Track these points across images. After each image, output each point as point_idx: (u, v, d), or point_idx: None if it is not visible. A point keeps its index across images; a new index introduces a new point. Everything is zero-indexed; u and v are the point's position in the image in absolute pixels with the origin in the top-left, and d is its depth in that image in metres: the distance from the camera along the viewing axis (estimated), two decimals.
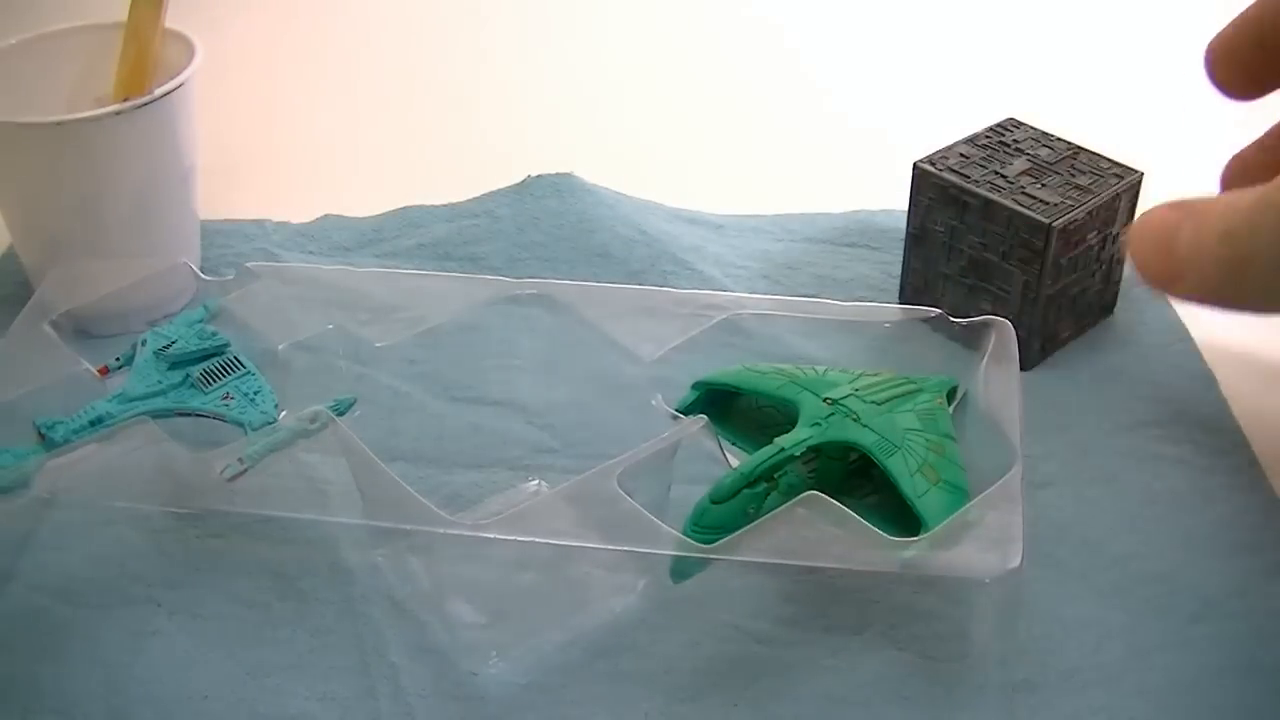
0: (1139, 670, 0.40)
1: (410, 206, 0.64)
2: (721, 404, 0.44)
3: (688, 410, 0.42)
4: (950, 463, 0.39)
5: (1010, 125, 0.56)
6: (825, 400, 0.38)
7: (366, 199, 0.65)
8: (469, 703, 0.39)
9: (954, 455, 0.39)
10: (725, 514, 0.36)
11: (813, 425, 0.37)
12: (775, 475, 0.37)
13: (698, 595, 0.42)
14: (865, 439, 0.38)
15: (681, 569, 0.37)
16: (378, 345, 0.51)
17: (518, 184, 0.65)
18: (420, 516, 0.39)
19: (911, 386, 0.41)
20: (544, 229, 0.61)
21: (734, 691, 0.39)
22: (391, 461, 0.43)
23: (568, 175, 0.64)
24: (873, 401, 0.39)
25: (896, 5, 0.91)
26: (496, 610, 0.42)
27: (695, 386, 0.42)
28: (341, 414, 0.46)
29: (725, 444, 0.42)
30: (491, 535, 0.40)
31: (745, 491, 0.36)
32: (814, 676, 0.40)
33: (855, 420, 0.38)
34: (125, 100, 0.52)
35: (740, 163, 0.71)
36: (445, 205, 0.64)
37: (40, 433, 0.45)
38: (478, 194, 0.65)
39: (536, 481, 0.47)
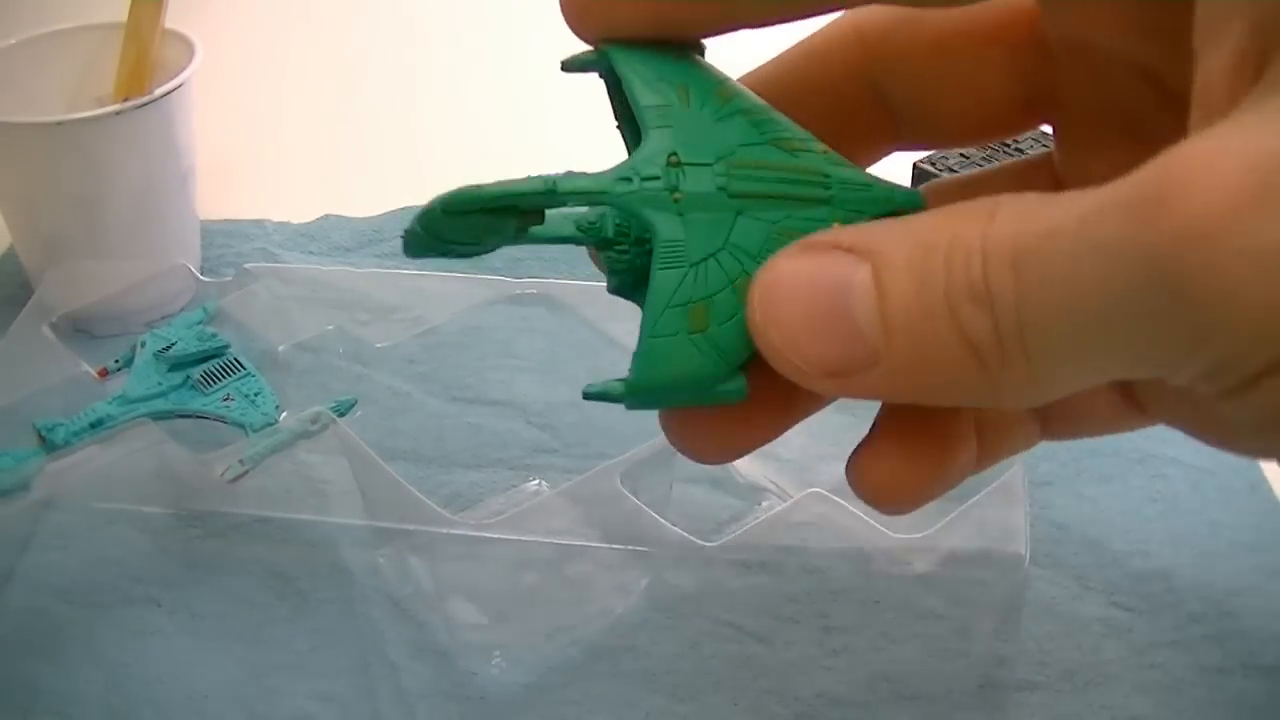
0: (1139, 670, 0.40)
1: (410, 206, 0.64)
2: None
3: (583, 66, 0.27)
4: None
5: None
6: (671, 157, 0.24)
7: (366, 199, 0.65)
8: (469, 703, 0.39)
9: None
10: (456, 227, 0.24)
11: (621, 179, 0.23)
12: (538, 210, 0.25)
13: (698, 595, 0.42)
14: (662, 226, 0.23)
15: (411, 245, 0.25)
16: (378, 345, 0.52)
17: None
18: (421, 516, 0.39)
19: (824, 194, 0.24)
20: None
21: (734, 691, 0.39)
22: (391, 461, 0.43)
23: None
24: (739, 192, 0.24)
25: None
26: (497, 610, 0.42)
27: (598, 50, 0.26)
28: (342, 414, 0.46)
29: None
30: (492, 535, 0.40)
31: (480, 217, 0.24)
32: (814, 676, 0.40)
33: (676, 201, 0.23)
34: (125, 100, 0.52)
35: None
36: None
37: (40, 435, 0.45)
38: None
39: (536, 481, 0.47)
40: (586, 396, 0.23)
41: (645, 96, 0.24)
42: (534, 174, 0.23)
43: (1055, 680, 0.39)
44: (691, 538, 0.40)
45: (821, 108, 0.25)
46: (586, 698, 0.39)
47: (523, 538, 0.40)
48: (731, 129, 0.24)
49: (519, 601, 0.43)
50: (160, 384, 0.47)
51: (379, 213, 0.64)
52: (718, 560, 0.42)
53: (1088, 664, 0.40)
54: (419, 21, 0.89)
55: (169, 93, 0.52)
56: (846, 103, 0.26)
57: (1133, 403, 0.25)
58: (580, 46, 0.25)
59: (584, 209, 0.26)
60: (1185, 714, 0.38)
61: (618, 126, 0.27)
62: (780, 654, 0.40)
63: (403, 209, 0.64)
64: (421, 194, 0.23)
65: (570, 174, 0.24)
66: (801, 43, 0.27)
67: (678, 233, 0.23)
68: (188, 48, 0.55)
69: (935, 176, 0.52)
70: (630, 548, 0.43)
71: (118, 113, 0.51)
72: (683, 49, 0.25)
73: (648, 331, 0.23)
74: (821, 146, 0.24)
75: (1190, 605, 0.42)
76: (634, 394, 0.23)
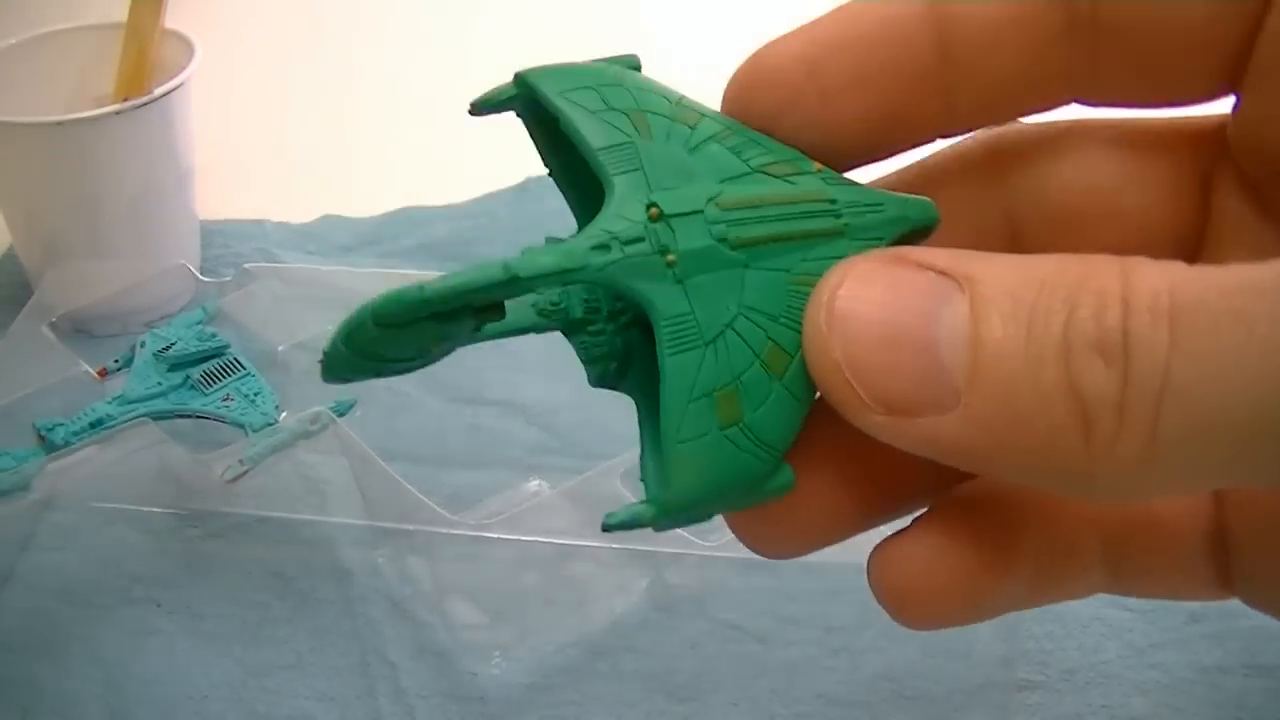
0: (1139, 670, 0.40)
1: (410, 206, 0.64)
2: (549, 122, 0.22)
3: (498, 106, 0.22)
4: (784, 399, 0.19)
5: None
6: (651, 209, 0.19)
7: (366, 199, 0.65)
8: (469, 703, 0.39)
9: (802, 389, 0.19)
10: (390, 342, 0.18)
11: (596, 248, 0.18)
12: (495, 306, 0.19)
13: (698, 595, 0.42)
14: (661, 301, 0.18)
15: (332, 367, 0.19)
16: None
17: (518, 184, 0.65)
18: (421, 516, 0.39)
19: (836, 223, 0.20)
20: (544, 229, 0.61)
21: (734, 691, 0.39)
22: (391, 461, 0.43)
23: None
24: (741, 240, 0.19)
25: None
26: (497, 610, 0.42)
27: (517, 81, 0.21)
28: (342, 414, 0.46)
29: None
30: (492, 535, 0.40)
31: (427, 324, 0.18)
32: (814, 676, 0.40)
33: (669, 265, 0.19)
34: (125, 100, 0.52)
35: None
36: (445, 205, 0.64)
37: (40, 435, 0.45)
38: (478, 194, 0.65)
39: (536, 481, 0.47)
40: (608, 528, 0.19)
41: (596, 135, 0.19)
42: (483, 262, 0.18)
43: (1055, 680, 0.39)
44: (692, 538, 0.40)
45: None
46: (586, 698, 0.39)
47: (523, 538, 0.40)
48: (708, 160, 0.20)
49: (519, 601, 0.42)
50: (160, 384, 0.47)
51: (379, 213, 0.64)
52: (718, 560, 0.42)
53: (1088, 664, 0.40)
54: (419, 21, 0.89)
55: (169, 93, 0.52)
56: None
57: (1221, 571, 0.21)
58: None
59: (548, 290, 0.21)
60: (1185, 714, 0.38)
61: (549, 173, 0.22)
62: (780, 654, 0.40)
63: (403, 209, 0.64)
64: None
65: (529, 251, 0.18)
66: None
67: (681, 306, 0.18)
68: (187, 48, 0.55)
69: None
70: (630, 548, 0.43)
71: (118, 113, 0.51)
72: (614, 61, 0.21)
73: (671, 437, 0.18)
74: (814, 164, 0.20)
75: (1190, 605, 0.42)
76: (668, 514, 0.18)
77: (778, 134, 0.20)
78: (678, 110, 0.20)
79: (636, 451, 0.20)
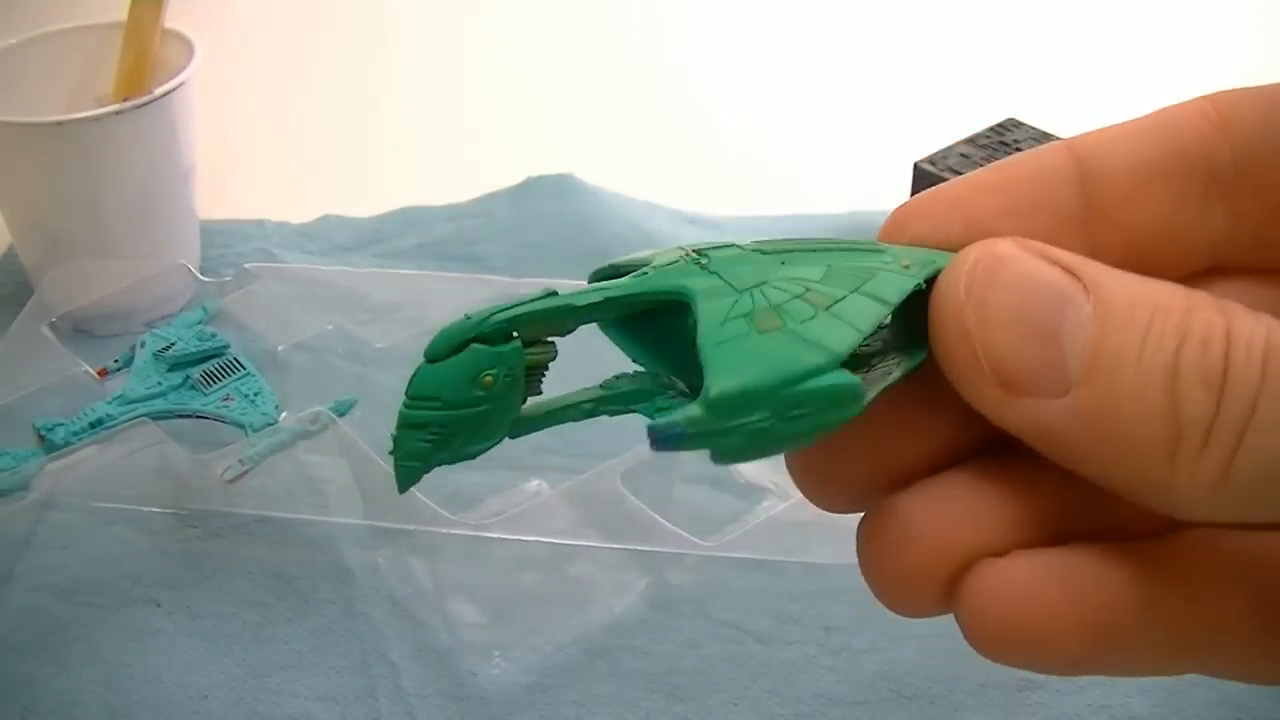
0: None
1: (410, 206, 0.64)
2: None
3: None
4: (835, 319, 0.19)
5: (1010, 125, 0.56)
6: (685, 252, 0.20)
7: (366, 199, 0.65)
8: (469, 703, 0.39)
9: (858, 316, 0.19)
10: (444, 378, 0.20)
11: (636, 277, 0.20)
12: (547, 337, 0.20)
13: (698, 595, 0.42)
14: (691, 283, 0.19)
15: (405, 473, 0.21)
16: (378, 345, 0.51)
17: (518, 184, 0.65)
18: (422, 516, 0.39)
19: (866, 246, 0.21)
20: (544, 229, 0.61)
21: (734, 691, 0.39)
22: None
23: (567, 175, 0.64)
24: (760, 250, 0.20)
25: (896, 5, 0.91)
26: (497, 610, 0.42)
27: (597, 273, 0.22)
28: (342, 414, 0.46)
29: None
30: (492, 535, 0.40)
31: (477, 347, 0.19)
32: (814, 676, 0.40)
33: (701, 266, 0.19)
34: (125, 100, 0.52)
35: (740, 163, 0.71)
36: (445, 205, 0.64)
37: (40, 435, 0.45)
38: (478, 194, 0.65)
39: (537, 481, 0.47)
40: (655, 432, 0.17)
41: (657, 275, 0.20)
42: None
43: (1055, 680, 0.39)
44: (691, 538, 0.41)
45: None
46: (586, 698, 0.39)
47: (523, 538, 0.41)
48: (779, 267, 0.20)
49: (519, 601, 0.43)
50: (160, 384, 0.47)
51: (379, 213, 0.64)
52: (718, 560, 0.42)
53: None
54: (419, 22, 0.89)
55: (169, 93, 0.52)
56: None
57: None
58: None
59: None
60: (1185, 714, 0.38)
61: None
62: (780, 654, 0.40)
63: (403, 209, 0.64)
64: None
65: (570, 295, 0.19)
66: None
67: (714, 283, 0.19)
68: (188, 48, 0.55)
69: (935, 176, 0.52)
70: (630, 548, 0.43)
71: (118, 113, 0.51)
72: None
73: (711, 340, 0.18)
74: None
75: None
76: (717, 412, 0.17)
77: None
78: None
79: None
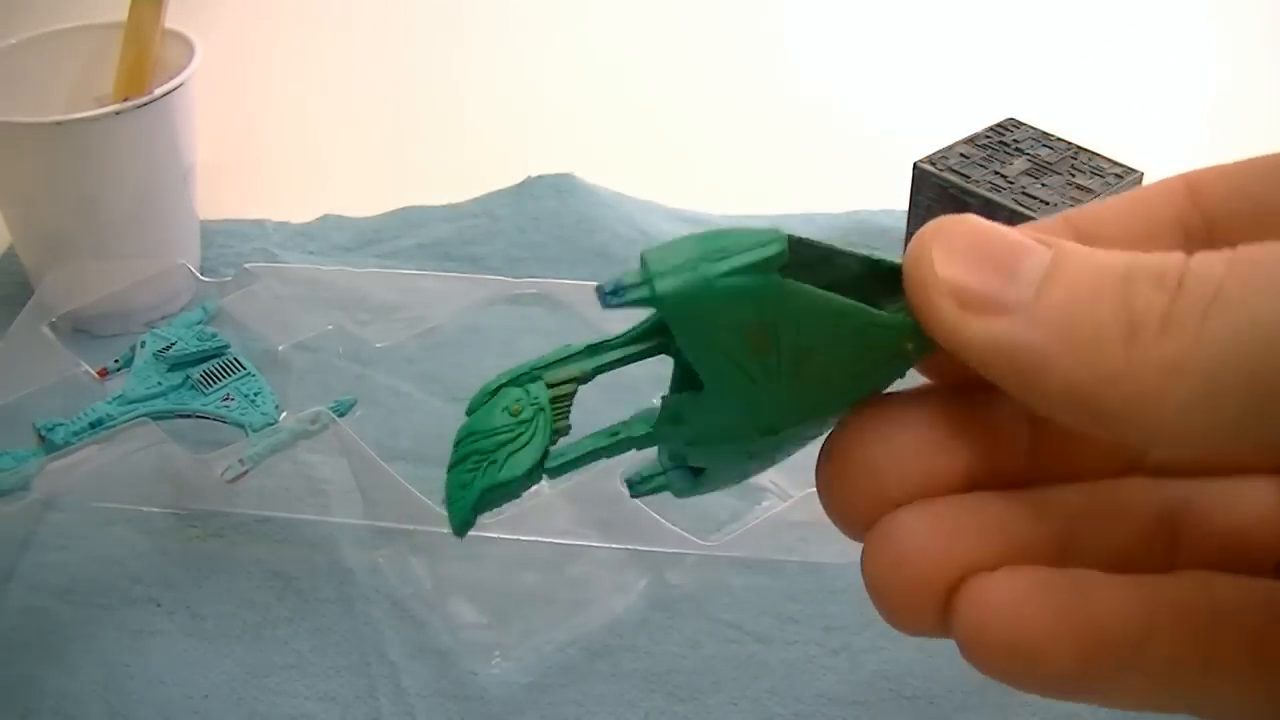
0: None
1: (410, 206, 0.64)
2: None
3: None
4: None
5: (1010, 125, 0.56)
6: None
7: (366, 199, 0.65)
8: (469, 703, 0.39)
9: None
10: (479, 416, 0.21)
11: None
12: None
13: (698, 595, 0.42)
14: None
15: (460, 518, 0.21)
16: (378, 345, 0.51)
17: (518, 184, 0.65)
18: (422, 516, 0.39)
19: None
20: (544, 229, 0.61)
21: (734, 691, 0.39)
22: (391, 461, 0.43)
23: (568, 175, 0.64)
24: None
25: (897, 5, 0.91)
26: (497, 610, 0.42)
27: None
28: (342, 414, 0.46)
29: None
30: (493, 535, 0.40)
31: (506, 388, 0.21)
32: (814, 676, 0.40)
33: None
34: (125, 100, 0.52)
35: (740, 163, 0.71)
36: (445, 205, 0.64)
37: (40, 435, 0.45)
38: (478, 194, 0.65)
39: None
40: (604, 296, 0.18)
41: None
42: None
43: None
44: (691, 538, 0.41)
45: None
46: (586, 698, 0.39)
47: (523, 538, 0.41)
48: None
49: (519, 601, 0.43)
50: (160, 384, 0.47)
51: (379, 213, 0.64)
52: (718, 560, 0.42)
53: None
54: (419, 21, 0.89)
55: (169, 93, 0.52)
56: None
57: None
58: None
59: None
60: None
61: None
62: (780, 654, 0.40)
63: (403, 209, 0.64)
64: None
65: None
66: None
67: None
68: (188, 48, 0.55)
69: (935, 176, 0.52)
70: (630, 548, 0.43)
71: (118, 113, 0.51)
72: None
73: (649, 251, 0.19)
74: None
75: None
76: (649, 254, 0.18)
77: None
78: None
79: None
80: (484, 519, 0.20)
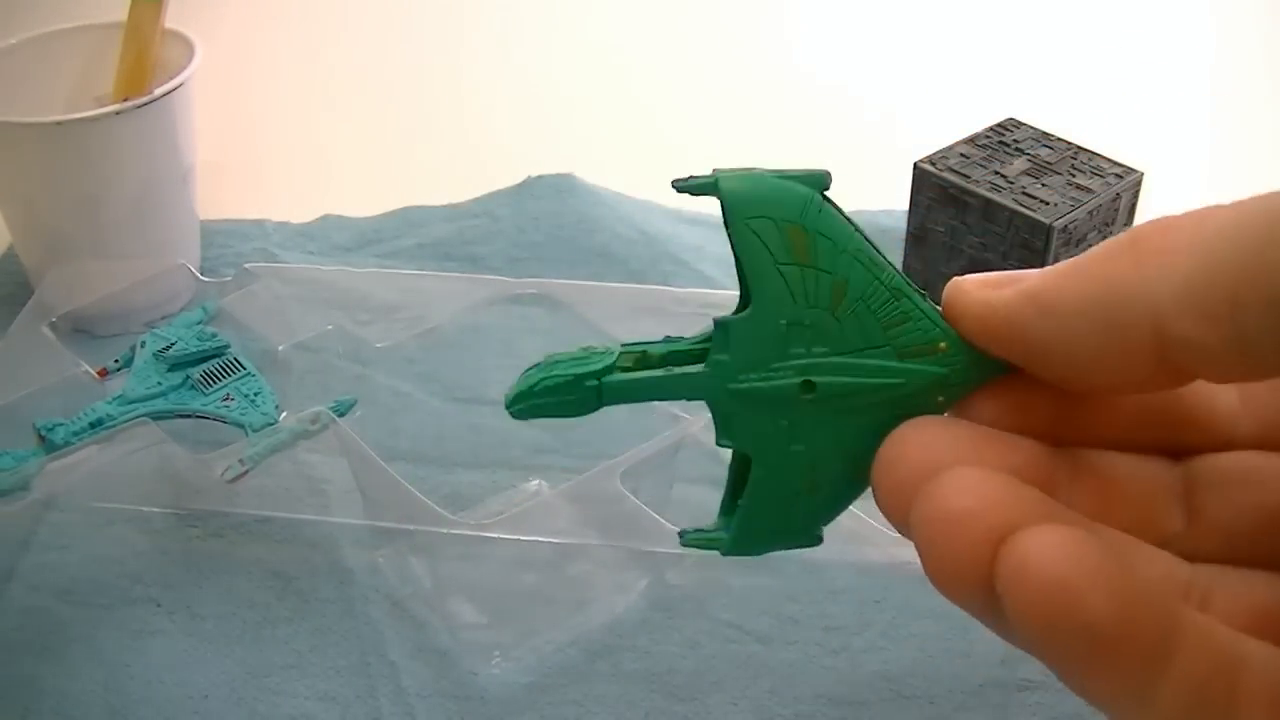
0: None
1: (410, 206, 0.64)
2: None
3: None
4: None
5: (1010, 125, 0.56)
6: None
7: (366, 199, 0.65)
8: (469, 703, 0.39)
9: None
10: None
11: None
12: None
13: (698, 595, 0.42)
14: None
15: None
16: (378, 345, 0.51)
17: (518, 184, 0.65)
18: (422, 516, 0.39)
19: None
20: (544, 229, 0.61)
21: (734, 691, 0.39)
22: (391, 461, 0.43)
23: (568, 175, 0.64)
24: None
25: (897, 5, 0.91)
26: (497, 610, 0.42)
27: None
28: (342, 414, 0.46)
29: None
30: (492, 535, 0.40)
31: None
32: (814, 676, 0.40)
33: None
34: (125, 100, 0.52)
35: (740, 163, 0.71)
36: (445, 205, 0.64)
37: (40, 435, 0.45)
38: (478, 194, 0.65)
39: (537, 481, 0.47)
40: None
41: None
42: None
43: (1055, 680, 0.39)
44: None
45: None
46: (586, 698, 0.39)
47: (523, 538, 0.40)
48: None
49: (519, 601, 0.43)
50: (160, 384, 0.47)
51: (379, 213, 0.64)
52: (718, 560, 0.42)
53: None
54: (419, 22, 0.89)
55: (169, 93, 0.52)
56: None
57: None
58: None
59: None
60: None
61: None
62: (780, 654, 0.40)
63: (403, 209, 0.64)
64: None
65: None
66: None
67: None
68: (188, 48, 0.55)
69: (935, 176, 0.52)
70: (630, 547, 0.43)
71: (118, 113, 0.51)
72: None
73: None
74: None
75: None
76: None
77: None
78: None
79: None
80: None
